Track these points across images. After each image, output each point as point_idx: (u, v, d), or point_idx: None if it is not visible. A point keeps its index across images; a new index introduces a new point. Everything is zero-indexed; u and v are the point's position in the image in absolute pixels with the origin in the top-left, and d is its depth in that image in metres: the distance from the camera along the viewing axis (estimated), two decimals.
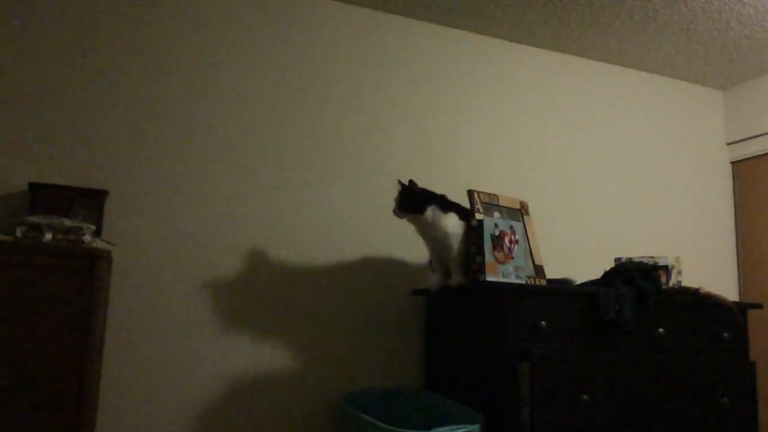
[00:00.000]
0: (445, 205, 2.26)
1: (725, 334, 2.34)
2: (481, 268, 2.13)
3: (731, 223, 3.45)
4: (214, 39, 2.50)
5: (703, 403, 2.19)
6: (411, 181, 2.26)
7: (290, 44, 2.62)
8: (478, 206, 2.28)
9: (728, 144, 3.51)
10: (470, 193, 2.32)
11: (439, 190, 2.28)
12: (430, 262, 2.39)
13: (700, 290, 2.35)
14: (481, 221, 2.18)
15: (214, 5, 2.51)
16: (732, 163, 3.49)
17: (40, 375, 1.69)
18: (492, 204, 2.36)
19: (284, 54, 2.61)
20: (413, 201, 2.22)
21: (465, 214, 2.27)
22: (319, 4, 2.69)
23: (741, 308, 2.39)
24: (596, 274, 2.43)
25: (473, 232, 2.20)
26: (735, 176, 3.48)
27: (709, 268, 3.31)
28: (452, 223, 2.23)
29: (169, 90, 2.41)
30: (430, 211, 2.21)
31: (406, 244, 2.61)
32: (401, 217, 2.25)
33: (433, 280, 2.35)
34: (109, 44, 2.35)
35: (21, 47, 2.23)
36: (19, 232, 1.79)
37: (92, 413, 1.79)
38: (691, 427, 2.16)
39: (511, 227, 2.22)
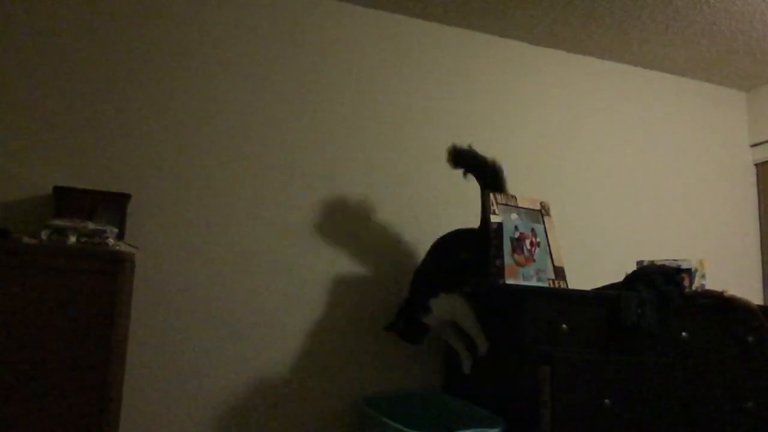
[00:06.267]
0: (449, 287, 2.27)
1: (749, 338, 2.31)
2: (500, 272, 2.13)
3: (755, 226, 3.40)
4: (234, 46, 2.52)
5: (727, 408, 2.16)
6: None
7: (314, 51, 2.64)
8: (494, 208, 2.27)
9: (752, 146, 3.46)
10: (486, 195, 2.31)
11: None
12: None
13: (724, 293, 2.32)
14: (500, 224, 2.17)
15: (240, 14, 2.54)
16: (756, 164, 3.45)
17: (63, 377, 1.71)
18: (509, 205, 2.34)
19: (310, 60, 2.62)
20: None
21: (466, 288, 2.27)
22: (338, 8, 2.70)
23: (765, 312, 2.35)
24: (618, 277, 2.41)
25: (493, 234, 2.19)
26: (759, 178, 3.43)
27: (733, 271, 3.27)
28: (454, 305, 2.26)
29: (191, 96, 2.44)
30: (444, 300, 2.25)
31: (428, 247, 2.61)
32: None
33: (466, 364, 2.34)
34: (132, 50, 2.38)
35: (45, 52, 2.27)
36: (43, 235, 1.81)
37: (115, 415, 1.81)
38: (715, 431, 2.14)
39: (533, 230, 2.21)
